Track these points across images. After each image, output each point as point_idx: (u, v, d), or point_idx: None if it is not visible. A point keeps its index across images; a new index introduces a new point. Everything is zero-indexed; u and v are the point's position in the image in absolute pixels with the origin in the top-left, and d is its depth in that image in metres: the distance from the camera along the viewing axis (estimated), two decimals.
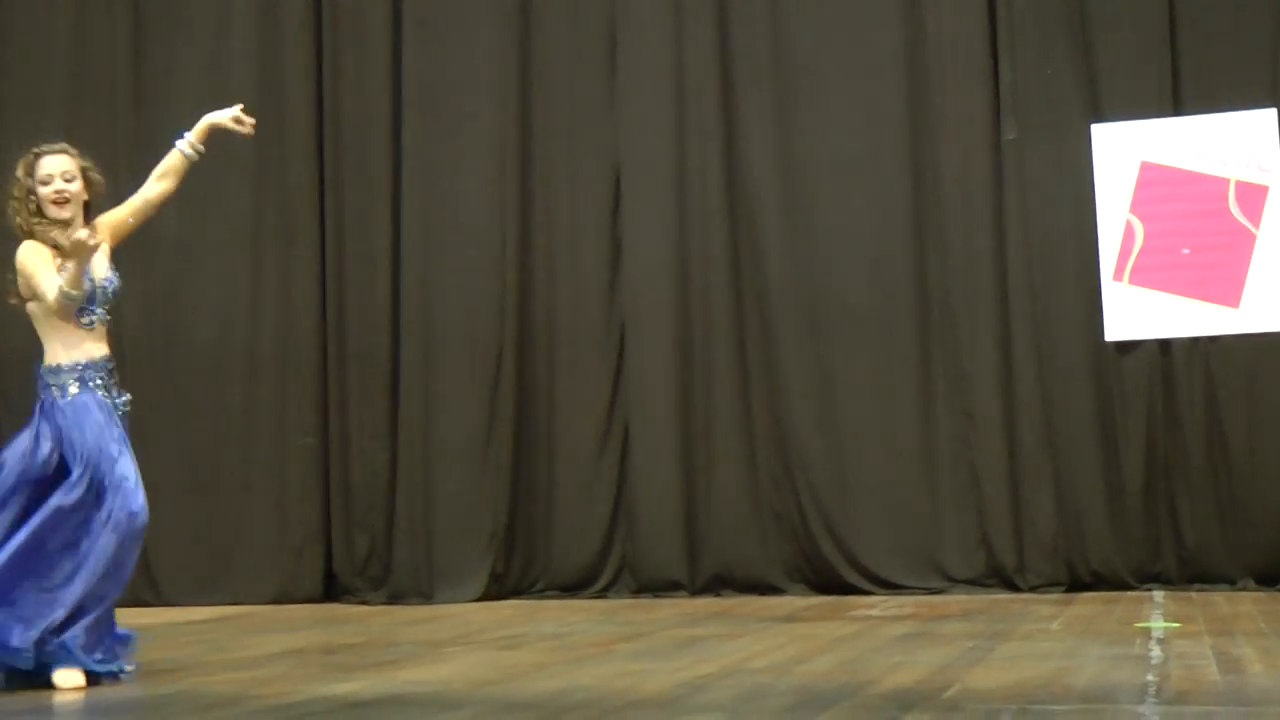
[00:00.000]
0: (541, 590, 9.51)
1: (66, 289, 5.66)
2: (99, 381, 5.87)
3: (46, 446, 5.80)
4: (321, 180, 9.93)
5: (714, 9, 9.52)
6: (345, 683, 5.53)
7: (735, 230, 9.44)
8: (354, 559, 9.71)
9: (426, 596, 9.43)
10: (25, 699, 5.42)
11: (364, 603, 9.51)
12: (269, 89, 9.96)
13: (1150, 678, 5.05)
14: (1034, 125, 8.98)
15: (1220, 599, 8.03)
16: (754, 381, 9.35)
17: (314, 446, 9.80)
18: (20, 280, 5.87)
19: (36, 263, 5.79)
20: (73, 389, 5.81)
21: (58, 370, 5.85)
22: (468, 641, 7.00)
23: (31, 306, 5.88)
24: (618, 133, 9.67)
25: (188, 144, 6.15)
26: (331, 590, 9.76)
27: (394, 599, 9.46)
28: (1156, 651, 5.76)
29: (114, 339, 6.22)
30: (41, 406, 5.86)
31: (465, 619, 8.23)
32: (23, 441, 5.84)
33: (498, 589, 9.40)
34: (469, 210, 9.73)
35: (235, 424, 9.88)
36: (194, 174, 6.34)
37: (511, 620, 8.05)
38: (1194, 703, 4.53)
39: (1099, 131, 8.86)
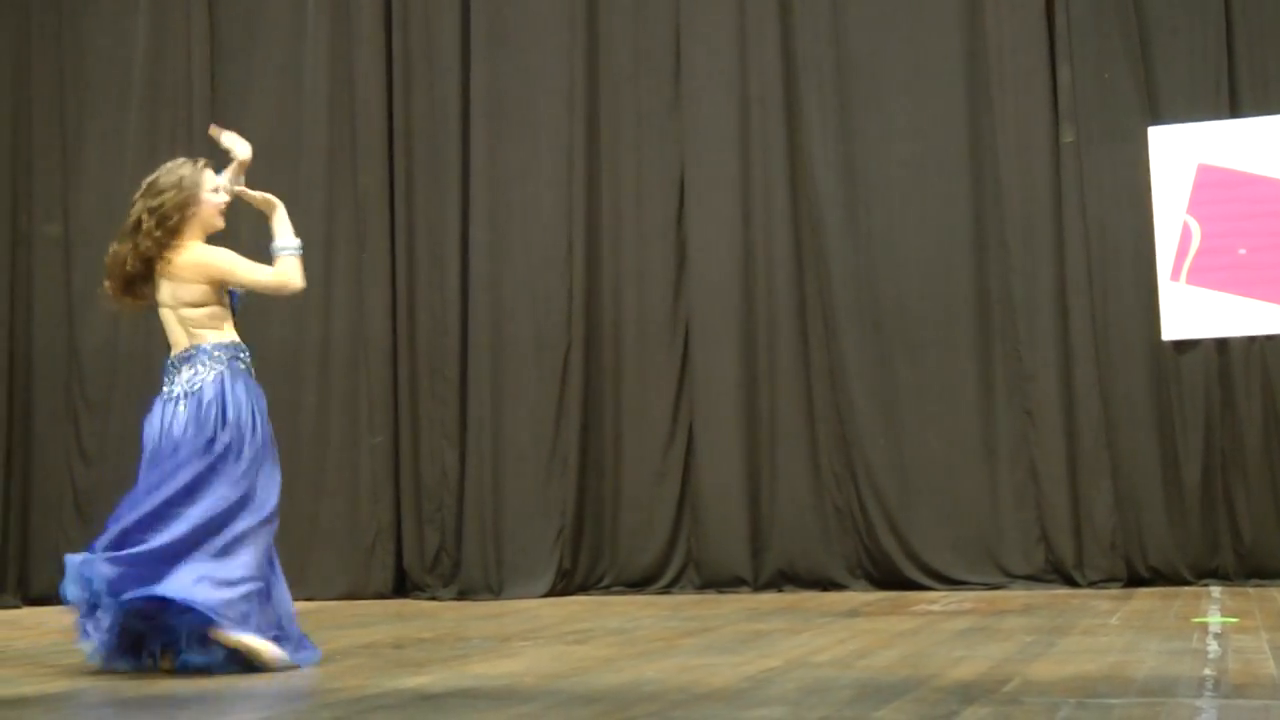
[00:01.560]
0: (608, 586, 9.59)
1: (284, 245, 5.97)
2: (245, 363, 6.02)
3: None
4: (392, 184, 10.03)
5: (777, 16, 9.59)
6: (416, 676, 5.53)
7: (798, 232, 9.50)
8: (424, 555, 9.81)
9: (495, 592, 9.52)
10: (100, 688, 5.50)
11: (434, 598, 9.60)
12: (340, 95, 10.11)
13: (1208, 672, 5.03)
14: (1092, 128, 9.01)
15: (1278, 594, 8.02)
16: (816, 380, 9.40)
17: (385, 445, 9.91)
18: (198, 285, 5.92)
19: (235, 255, 5.95)
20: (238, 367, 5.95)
21: (229, 345, 5.96)
22: (536, 636, 6.99)
23: (185, 312, 5.92)
24: (683, 137, 9.74)
25: (280, 247, 6.19)
26: (402, 586, 9.86)
27: (463, 595, 9.56)
28: (1214, 646, 5.74)
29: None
30: (221, 380, 5.89)
31: (533, 614, 8.26)
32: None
33: (565, 585, 9.49)
34: (536, 213, 9.82)
35: (308, 423, 9.99)
36: (267, 178, 6.46)
37: (579, 615, 8.06)
38: (1251, 697, 4.51)
39: (1156, 134, 8.87)
